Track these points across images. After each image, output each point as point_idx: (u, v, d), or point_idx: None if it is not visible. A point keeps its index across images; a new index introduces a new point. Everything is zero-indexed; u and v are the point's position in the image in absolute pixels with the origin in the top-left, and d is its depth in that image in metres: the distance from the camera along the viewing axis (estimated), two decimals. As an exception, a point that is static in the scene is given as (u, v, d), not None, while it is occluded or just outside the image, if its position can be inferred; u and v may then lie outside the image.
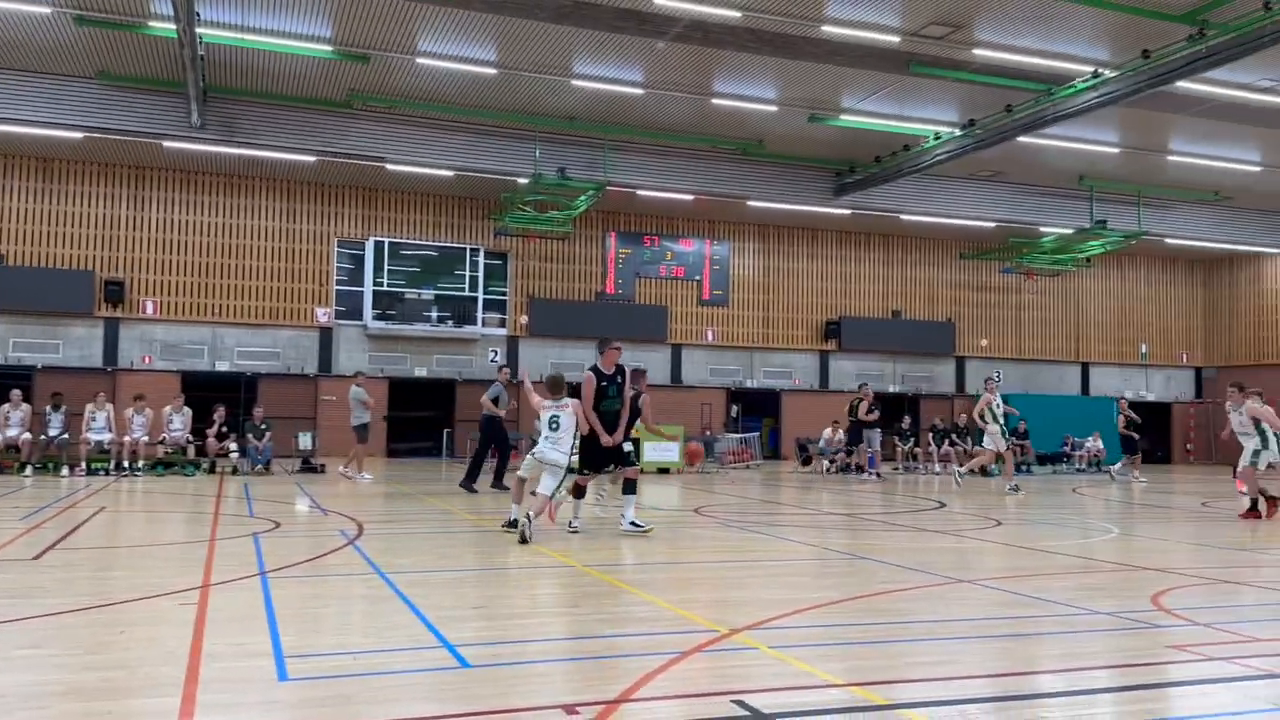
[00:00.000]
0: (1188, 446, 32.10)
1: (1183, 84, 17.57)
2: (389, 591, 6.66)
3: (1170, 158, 23.51)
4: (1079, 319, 31.38)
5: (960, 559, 9.03)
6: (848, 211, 25.69)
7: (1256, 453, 12.75)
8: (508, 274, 26.72)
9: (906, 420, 25.54)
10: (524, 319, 26.67)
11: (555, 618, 6.00)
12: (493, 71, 18.88)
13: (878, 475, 20.76)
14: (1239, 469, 13.08)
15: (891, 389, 29.06)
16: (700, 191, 24.30)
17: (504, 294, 26.69)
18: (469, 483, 14.99)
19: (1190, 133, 21.78)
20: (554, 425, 9.52)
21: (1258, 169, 24.22)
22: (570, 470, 9.72)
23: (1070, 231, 26.59)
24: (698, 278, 28.01)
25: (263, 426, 19.09)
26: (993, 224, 26.67)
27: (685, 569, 8.14)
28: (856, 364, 29.14)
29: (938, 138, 21.38)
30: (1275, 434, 12.64)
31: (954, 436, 24.05)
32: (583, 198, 23.13)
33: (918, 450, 24.85)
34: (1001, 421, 17.18)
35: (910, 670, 4.90)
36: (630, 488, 10.20)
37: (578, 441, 9.75)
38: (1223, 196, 26.89)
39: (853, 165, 24.21)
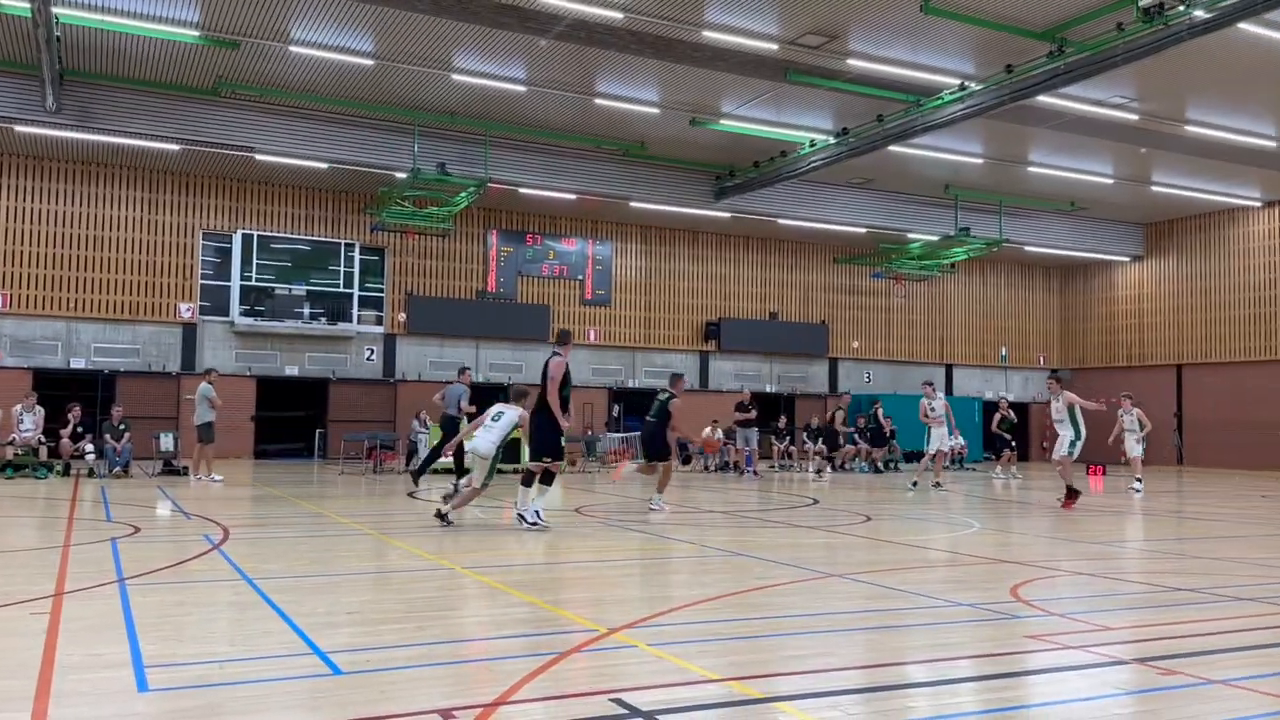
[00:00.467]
0: (1043, 445, 33.79)
1: (1042, 98, 18.48)
2: (257, 598, 6.43)
3: (1030, 169, 24.69)
4: (944, 322, 32.66)
5: (832, 554, 9.27)
6: (727, 214, 26.10)
7: (1073, 443, 13.70)
8: (385, 270, 26.15)
9: (782, 420, 26.17)
10: (402, 316, 26.15)
11: (431, 621, 5.90)
12: (370, 63, 18.45)
13: (755, 473, 21.18)
14: (1055, 458, 14.08)
15: (768, 389, 29.67)
16: (583, 191, 24.29)
17: (381, 290, 26.11)
18: (417, 475, 15.98)
19: (1048, 145, 22.93)
20: (496, 418, 10.55)
21: (1109, 181, 25.68)
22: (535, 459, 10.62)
23: (936, 238, 27.64)
24: (580, 277, 27.99)
25: (121, 427, 18.23)
26: (864, 230, 27.49)
27: (565, 569, 8.13)
28: (735, 364, 29.63)
29: (813, 145, 21.92)
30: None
31: (824, 436, 24.70)
32: (463, 194, 22.82)
33: (793, 449, 25.45)
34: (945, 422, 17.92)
35: (785, 664, 5.01)
36: (547, 479, 10.77)
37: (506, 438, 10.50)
38: (1078, 207, 28.40)
39: (732, 169, 24.61)
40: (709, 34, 16.80)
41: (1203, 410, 29.23)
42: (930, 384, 19.51)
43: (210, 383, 17.29)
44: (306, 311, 24.88)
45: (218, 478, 16.72)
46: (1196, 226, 29.79)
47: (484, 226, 27.08)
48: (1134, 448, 18.46)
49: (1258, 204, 27.89)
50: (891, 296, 31.53)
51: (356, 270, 25.30)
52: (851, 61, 17.79)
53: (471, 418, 15.15)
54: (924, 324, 32.28)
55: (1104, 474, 23.45)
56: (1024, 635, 5.73)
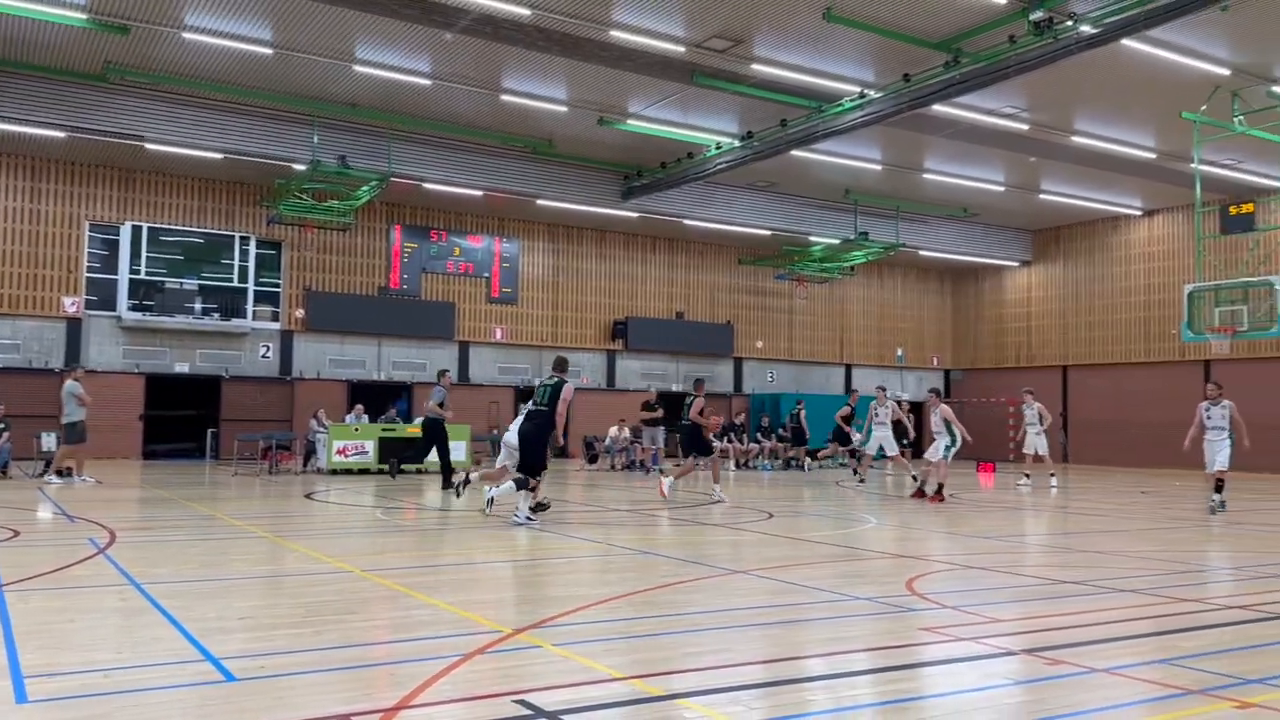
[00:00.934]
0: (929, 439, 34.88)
1: (938, 107, 19.04)
2: (145, 603, 6.19)
3: (925, 175, 25.42)
4: (844, 323, 33.38)
5: (736, 551, 9.38)
6: (635, 214, 26.19)
7: (947, 447, 15.55)
8: (282, 265, 25.45)
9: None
10: (300, 313, 25.49)
11: (330, 625, 5.77)
12: (268, 51, 17.93)
13: (661, 471, 21.29)
14: (929, 459, 15.89)
15: (675, 388, 29.87)
16: (489, 187, 24.06)
17: (277, 286, 25.39)
18: (446, 482, 15.96)
19: (943, 153, 23.64)
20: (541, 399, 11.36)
21: (1000, 189, 26.61)
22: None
23: (837, 241, 28.24)
24: (486, 275, 27.72)
25: (0, 425, 17.33)
26: (768, 232, 27.91)
27: (469, 570, 8.04)
28: (642, 363, 29.75)
29: (719, 147, 22.15)
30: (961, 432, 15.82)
31: (732, 434, 24.99)
32: (365, 188, 22.36)
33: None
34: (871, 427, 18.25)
35: (688, 661, 5.05)
36: (521, 484, 11.12)
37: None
38: (970, 213, 29.35)
39: (640, 170, 24.70)
40: (617, 34, 16.82)
41: (1087, 410, 30.51)
42: (883, 388, 20.03)
43: (77, 379, 16.53)
44: (198, 306, 24.05)
45: (88, 479, 16.05)
46: (1081, 233, 31.07)
47: (387, 221, 26.60)
48: (1035, 442, 19.09)
49: (1138, 213, 29.23)
50: (794, 298, 32.08)
51: (252, 264, 24.57)
52: (756, 66, 18.04)
53: (434, 425, 16.20)
54: (825, 325, 32.93)
55: (994, 471, 24.27)
56: (919, 628, 5.89)
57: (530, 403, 11.52)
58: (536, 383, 26.40)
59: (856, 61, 17.93)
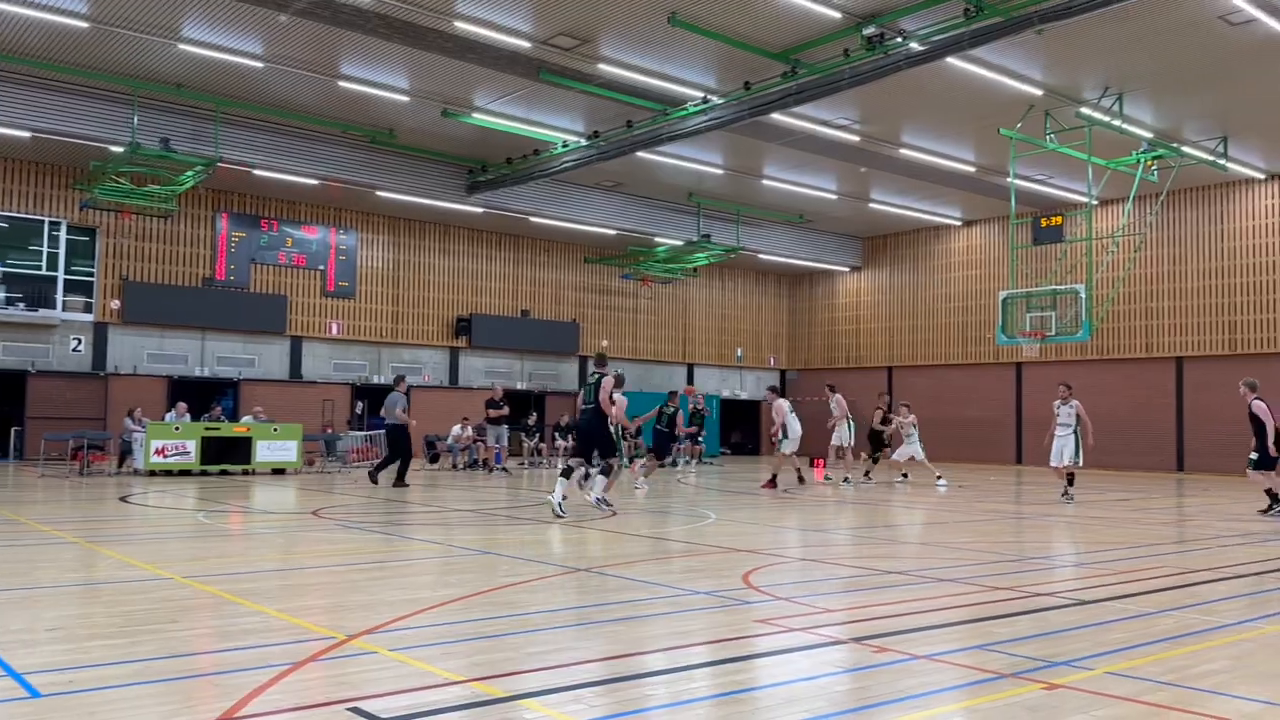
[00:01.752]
0: (772, 439, 35.90)
1: (776, 115, 19.59)
2: (-67, 619, 5.65)
3: (764, 181, 26.13)
4: (686, 323, 33.95)
5: (579, 549, 9.37)
6: (480, 209, 25.81)
7: (782, 440, 17.34)
8: (96, 252, 23.81)
9: (533, 417, 26.22)
10: (115, 303, 23.91)
11: (147, 636, 5.41)
12: (83, 24, 16.71)
13: (505, 470, 21.09)
14: (786, 452, 17.53)
15: (520, 386, 29.65)
16: (325, 176, 23.22)
17: (91, 275, 23.74)
18: (399, 481, 16.81)
19: (781, 160, 24.35)
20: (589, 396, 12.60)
21: (834, 197, 27.63)
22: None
23: (680, 243, 28.68)
24: (321, 267, 26.74)
25: None
26: (614, 231, 28.08)
27: (299, 575, 7.71)
28: (486, 361, 29.38)
29: (565, 145, 22.11)
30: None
31: (573, 435, 24.99)
32: (189, 173, 21.15)
33: (542, 446, 25.56)
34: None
35: (529, 661, 4.99)
36: (608, 471, 12.46)
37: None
38: (805, 219, 30.38)
39: (485, 164, 24.37)
40: (461, 25, 16.52)
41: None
42: (832, 386, 20.56)
43: None
44: (2, 296, 22.22)
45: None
46: (907, 241, 32.64)
47: (213, 209, 25.28)
48: (911, 449, 19.76)
49: (958, 223, 30.94)
50: (639, 297, 32.40)
51: (62, 251, 22.89)
52: (602, 66, 18.08)
53: (399, 431, 16.91)
54: (669, 324, 33.39)
55: (825, 466, 25.16)
56: (754, 620, 6.02)
57: (580, 401, 12.83)
58: (375, 380, 25.65)
59: (700, 67, 18.23)
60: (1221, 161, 22.36)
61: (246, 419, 20.76)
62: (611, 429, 12.68)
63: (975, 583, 7.63)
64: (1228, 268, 25.49)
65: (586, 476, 12.51)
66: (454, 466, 22.90)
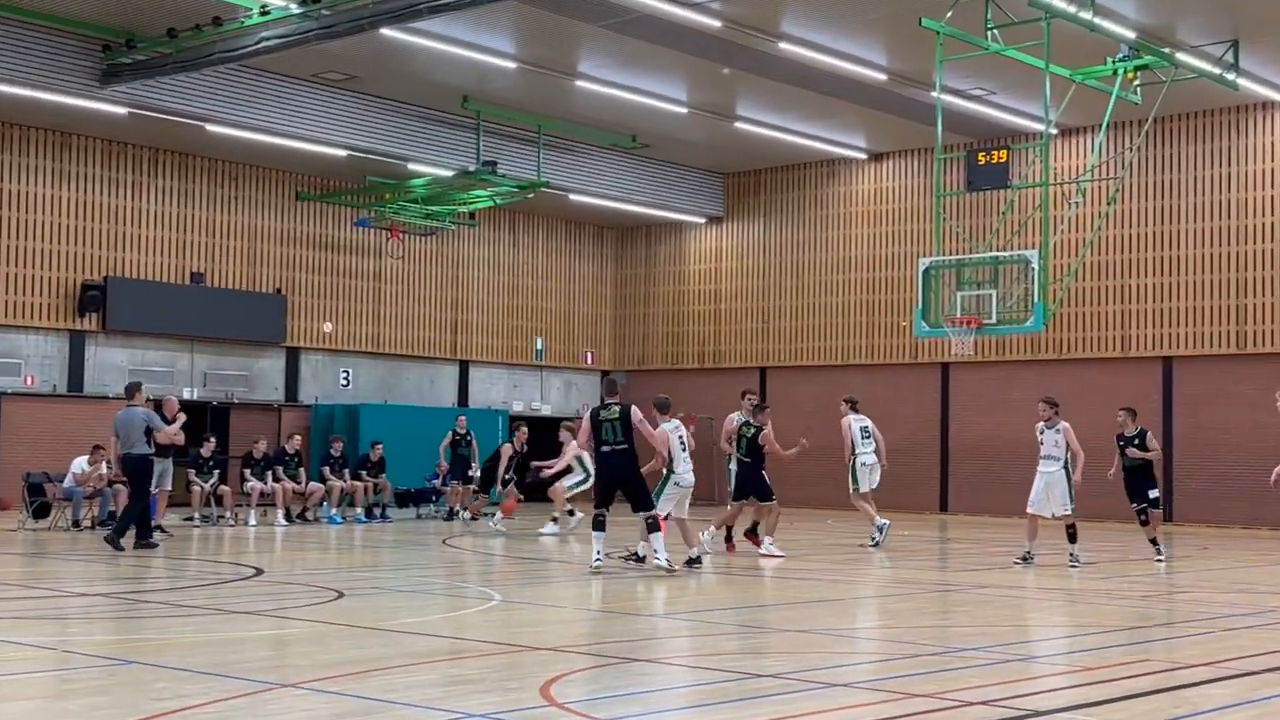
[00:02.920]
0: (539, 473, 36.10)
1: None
2: None
3: (580, 84, 26.14)
4: (461, 301, 33.66)
5: (281, 652, 9.20)
6: (123, 109, 24.78)
7: (579, 483, 19.96)
8: None
9: (209, 444, 25.29)
10: None
11: None
12: None
13: (160, 530, 20.31)
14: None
15: (189, 394, 28.64)
16: None
17: None
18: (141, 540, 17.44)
19: (604, 53, 24.45)
20: (685, 445, 16.04)
21: (682, 110, 27.92)
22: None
23: (450, 174, 28.34)
24: None
25: None
26: (344, 153, 27.48)
27: None
28: (131, 353, 28.26)
29: (265, 12, 21.49)
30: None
31: (280, 468, 24.40)
32: None
33: (224, 490, 24.77)
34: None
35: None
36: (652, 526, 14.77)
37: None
38: (641, 143, 30.65)
39: (132, 37, 23.37)
40: None
41: (792, 426, 32.77)
42: (851, 401, 20.18)
43: None
44: None
45: None
46: (789, 180, 33.41)
47: None
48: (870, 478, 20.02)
49: (862, 155, 31.93)
50: (383, 258, 31.95)
51: None
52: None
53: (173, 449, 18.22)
54: (432, 301, 33.06)
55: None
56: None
57: (604, 446, 14.87)
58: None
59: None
60: (1230, 76, 23.85)
61: None
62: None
63: (881, 688, 7.86)
64: (1236, 229, 27.14)
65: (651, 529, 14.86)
66: (75, 524, 21.93)
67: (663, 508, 15.47)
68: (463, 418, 26.71)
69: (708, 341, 34.73)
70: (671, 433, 15.87)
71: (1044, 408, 16.84)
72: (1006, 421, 27.69)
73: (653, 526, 14.72)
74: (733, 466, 18.04)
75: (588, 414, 15.52)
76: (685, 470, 15.89)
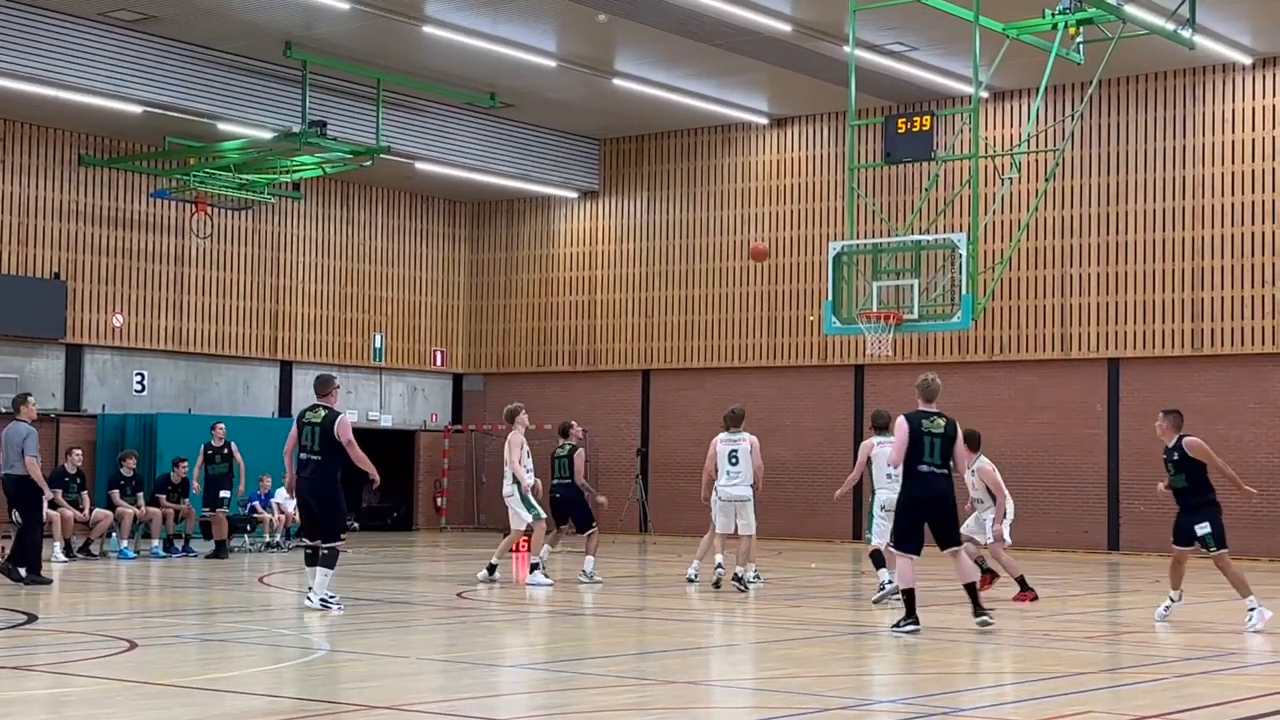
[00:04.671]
0: (438, 501, 35.84)
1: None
2: None
3: (427, 30, 25.94)
4: (282, 290, 33.23)
5: (59, 716, 9.09)
6: None
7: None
8: None
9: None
10: None
11: None
12: None
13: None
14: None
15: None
16: None
17: None
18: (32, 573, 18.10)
19: (458, -6, 24.41)
20: (734, 460, 17.74)
21: (551, 63, 27.87)
22: None
23: (270, 136, 28.03)
24: None
25: None
26: (139, 109, 27.03)
27: None
28: None
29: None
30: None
31: (59, 492, 23.92)
32: None
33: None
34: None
35: None
36: None
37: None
38: (501, 102, 30.53)
39: None
40: None
41: (680, 446, 32.86)
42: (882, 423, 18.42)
43: None
44: None
45: None
46: (676, 148, 33.47)
47: None
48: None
49: (762, 120, 32.13)
50: (186, 236, 31.49)
51: None
52: None
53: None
54: (247, 290, 32.63)
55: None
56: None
57: (301, 453, 14.94)
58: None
59: None
60: (1186, 34, 24.32)
61: None
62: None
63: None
64: (1192, 210, 27.85)
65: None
66: None
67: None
68: (220, 426, 25.36)
69: (580, 339, 34.71)
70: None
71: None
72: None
73: (325, 560, 14.84)
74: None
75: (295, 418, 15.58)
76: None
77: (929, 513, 13.92)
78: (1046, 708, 9.62)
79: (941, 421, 13.86)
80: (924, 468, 13.81)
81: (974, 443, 16.75)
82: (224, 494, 24.60)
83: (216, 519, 24.44)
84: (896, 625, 13.64)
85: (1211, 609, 16.75)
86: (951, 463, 13.93)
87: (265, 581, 19.67)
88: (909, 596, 13.69)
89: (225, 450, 24.81)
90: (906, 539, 13.99)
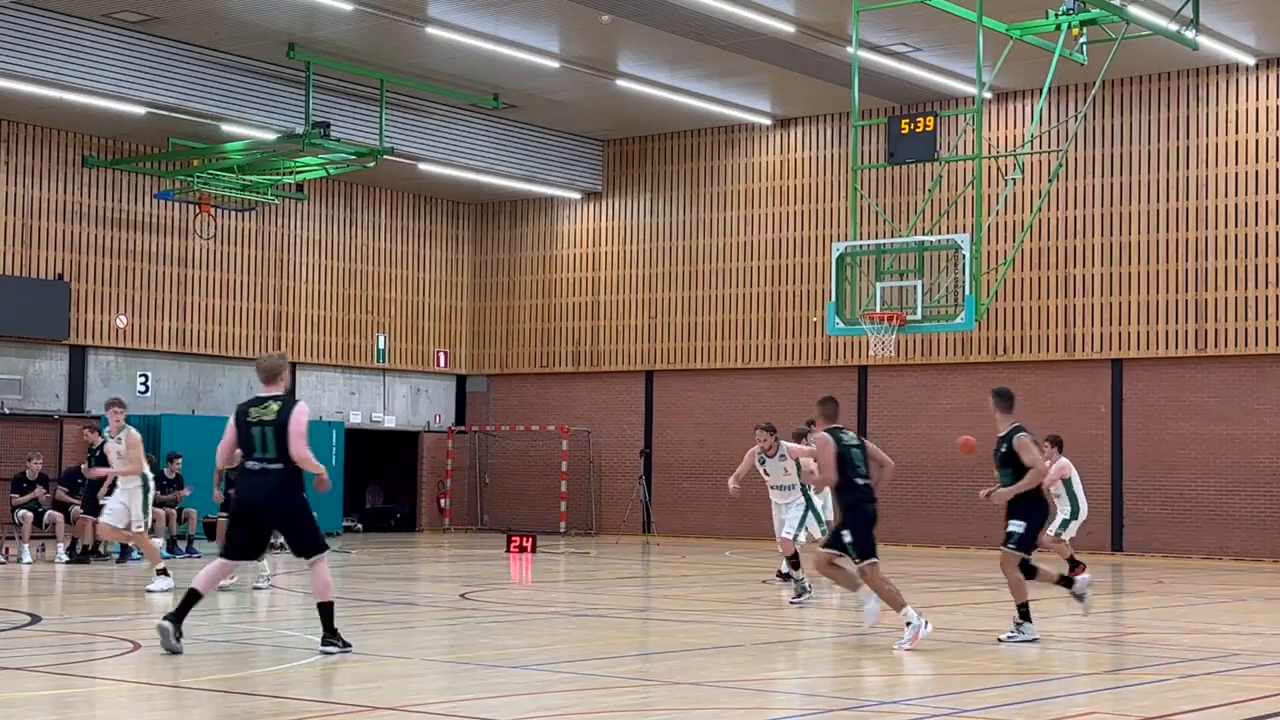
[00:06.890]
0: (442, 503, 35.82)
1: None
2: None
3: (430, 31, 25.94)
4: (284, 290, 33.18)
5: (63, 718, 8.96)
6: None
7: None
8: None
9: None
10: None
11: None
12: None
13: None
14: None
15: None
16: None
17: None
18: None
19: (461, -4, 24.41)
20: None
21: (554, 65, 27.83)
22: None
23: (273, 137, 27.96)
24: None
25: None
26: (143, 110, 27.01)
27: None
28: None
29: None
30: None
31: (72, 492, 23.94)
32: None
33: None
34: None
35: None
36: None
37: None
38: (504, 104, 30.51)
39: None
40: None
41: (680, 447, 32.85)
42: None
43: None
44: None
45: None
46: (679, 149, 33.44)
47: None
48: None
49: (766, 121, 32.11)
50: (191, 237, 31.47)
51: None
52: None
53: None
54: (251, 292, 32.62)
55: (533, 550, 25.45)
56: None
57: (250, 459, 12.14)
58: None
59: None
60: (1190, 34, 24.34)
61: None
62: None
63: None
64: (1196, 211, 27.78)
65: None
66: None
67: None
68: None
69: (584, 340, 34.66)
70: None
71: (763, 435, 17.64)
72: (932, 434, 28.01)
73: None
74: None
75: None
76: None
77: (260, 515, 12.26)
78: (1051, 709, 9.62)
79: (274, 406, 12.16)
80: (250, 463, 12.16)
81: (1057, 444, 17.53)
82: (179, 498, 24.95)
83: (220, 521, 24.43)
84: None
85: (1213, 609, 16.76)
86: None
87: (269, 582, 19.67)
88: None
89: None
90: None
